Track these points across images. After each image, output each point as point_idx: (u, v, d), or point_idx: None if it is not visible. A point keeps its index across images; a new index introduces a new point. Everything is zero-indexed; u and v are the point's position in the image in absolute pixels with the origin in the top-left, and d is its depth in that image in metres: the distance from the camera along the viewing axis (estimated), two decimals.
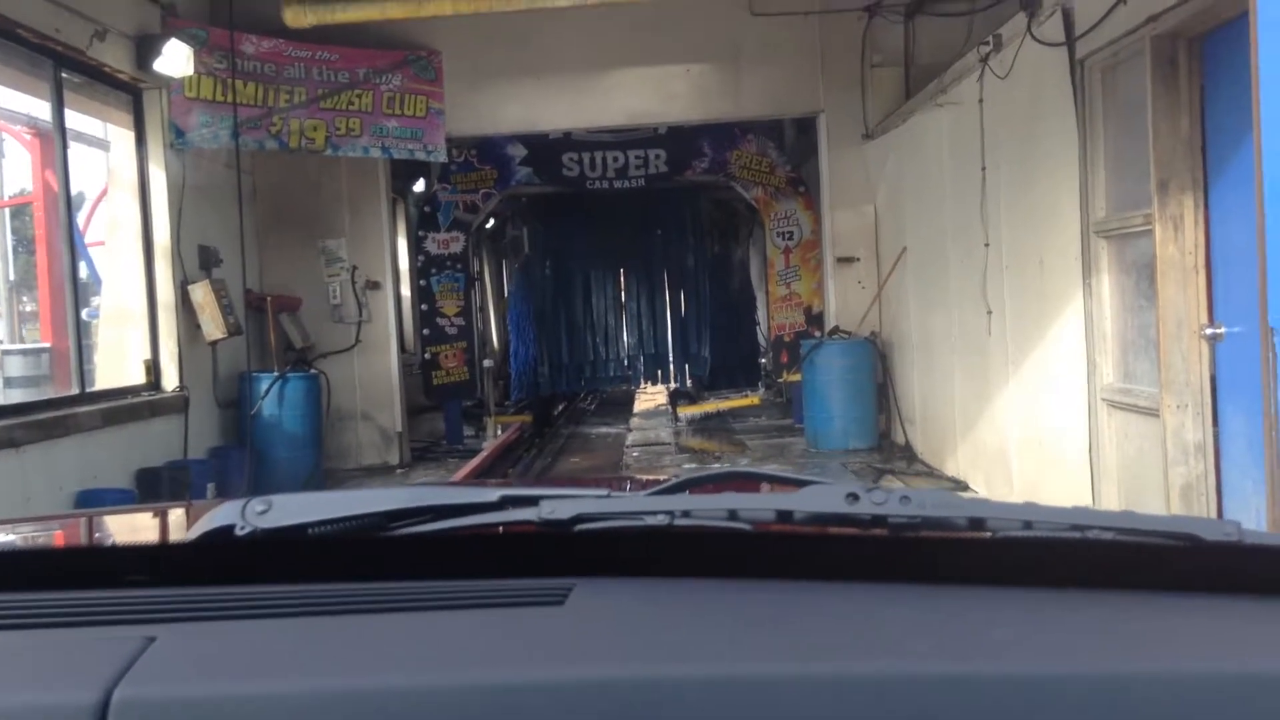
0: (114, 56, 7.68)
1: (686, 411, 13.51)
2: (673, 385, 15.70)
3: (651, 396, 16.47)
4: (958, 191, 7.87)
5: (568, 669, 0.81)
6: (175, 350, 8.47)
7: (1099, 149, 5.83)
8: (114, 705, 0.76)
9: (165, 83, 8.30)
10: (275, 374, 9.26)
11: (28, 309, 14.29)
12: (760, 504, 1.05)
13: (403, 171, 11.70)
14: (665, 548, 1.02)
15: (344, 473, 10.18)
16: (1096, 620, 0.91)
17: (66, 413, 7.09)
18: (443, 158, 10.25)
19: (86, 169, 12.03)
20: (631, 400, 16.38)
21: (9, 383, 10.20)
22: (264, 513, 1.03)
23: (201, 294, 8.59)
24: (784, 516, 1.03)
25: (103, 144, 10.56)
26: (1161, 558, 1.00)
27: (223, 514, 1.06)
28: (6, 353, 10.89)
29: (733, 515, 1.02)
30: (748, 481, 1.46)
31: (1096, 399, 6.03)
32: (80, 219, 11.91)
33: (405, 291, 12.38)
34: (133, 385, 8.22)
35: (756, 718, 0.76)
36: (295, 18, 8.01)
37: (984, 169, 7.25)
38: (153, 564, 1.05)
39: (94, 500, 6.96)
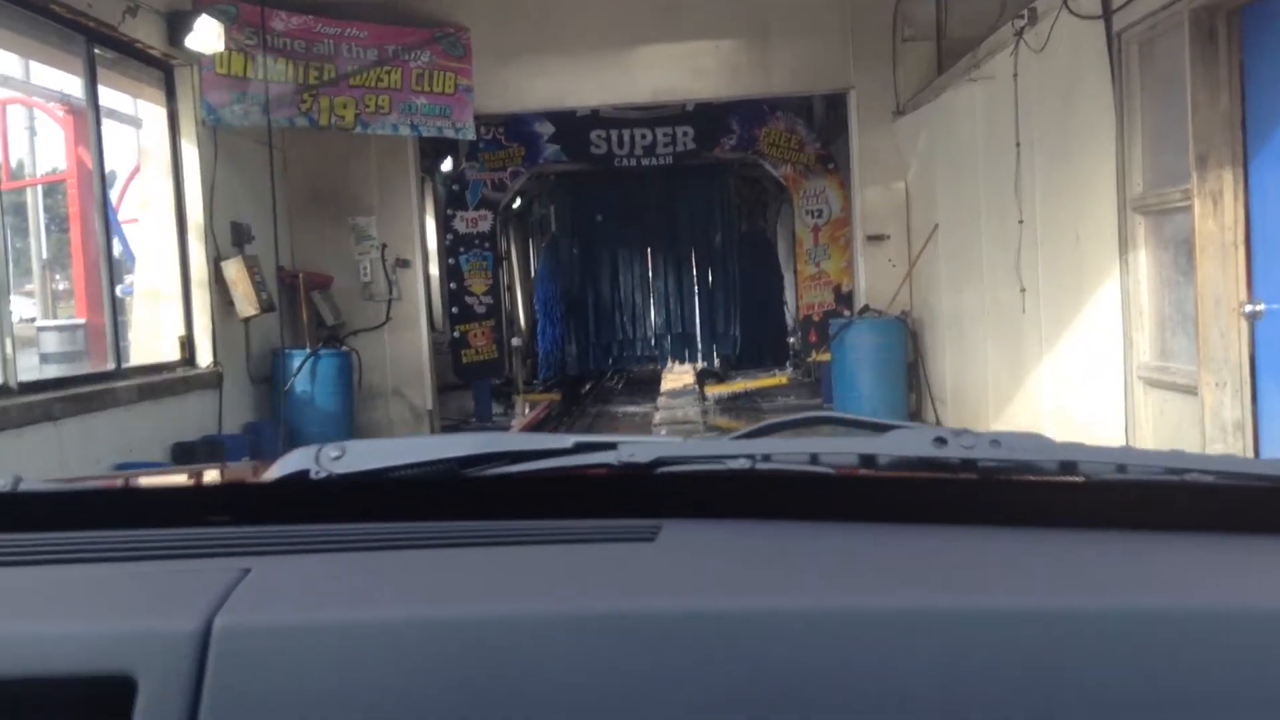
0: (145, 32, 7.71)
1: (714, 391, 13.49)
2: (700, 365, 15.67)
3: (678, 376, 16.44)
4: (991, 167, 7.80)
5: (662, 600, 0.81)
6: (209, 326, 8.53)
7: (1136, 124, 5.77)
8: (215, 632, 0.78)
9: (196, 59, 8.32)
10: (307, 351, 9.32)
11: (60, 287, 14.41)
12: (844, 447, 1.04)
13: (430, 150, 11.70)
14: (747, 491, 1.01)
15: None
16: (1196, 559, 0.90)
17: (103, 387, 7.16)
18: (471, 135, 10.24)
19: (118, 146, 12.09)
20: (658, 380, 16.37)
21: (45, 359, 10.30)
22: (338, 458, 1.05)
23: (234, 270, 8.63)
24: (867, 461, 1.02)
25: (134, 121, 10.61)
26: (1261, 501, 0.98)
27: (297, 459, 1.07)
28: (42, 329, 10.99)
29: (814, 459, 1.01)
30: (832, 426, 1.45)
31: (1133, 376, 5.98)
32: (112, 196, 11.98)
33: (434, 270, 12.42)
34: (167, 361, 8.29)
35: (852, 649, 0.76)
36: None
37: (1018, 144, 7.18)
38: (232, 505, 1.07)
39: None
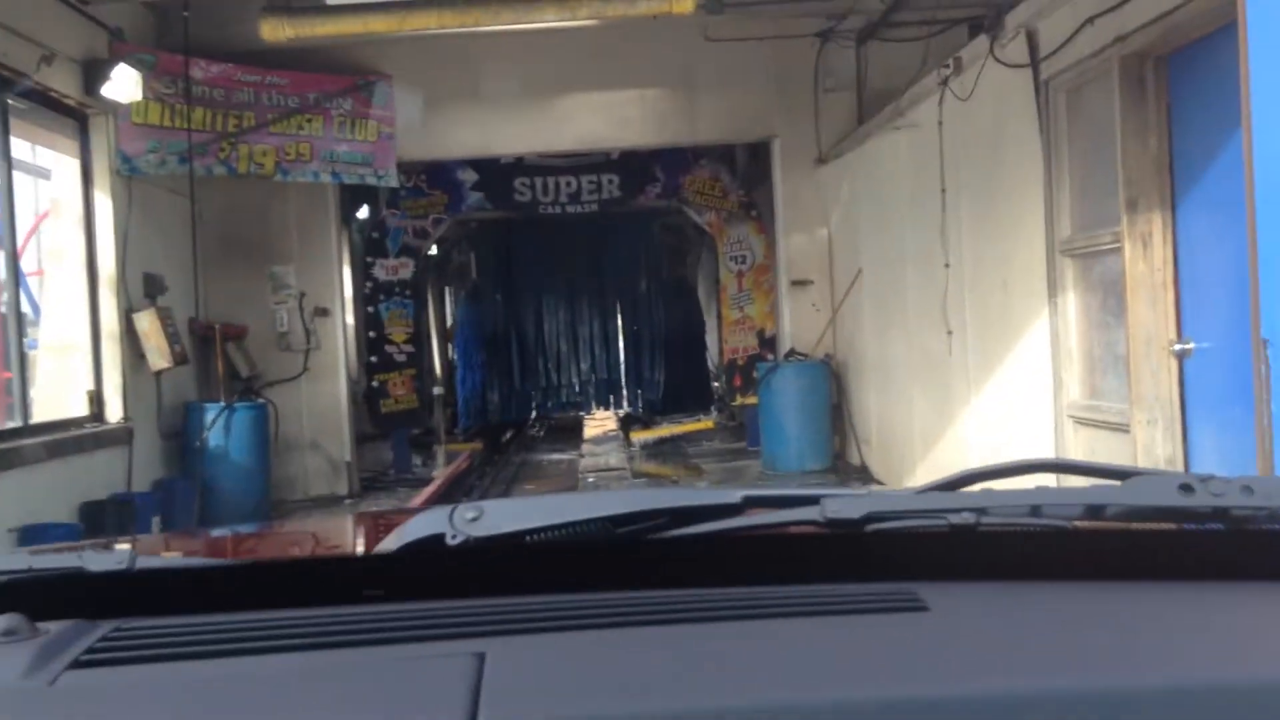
0: (61, 81, 7.48)
1: (640, 436, 13.44)
2: (624, 410, 15.60)
3: (600, 423, 16.36)
4: (916, 213, 7.93)
5: (975, 681, 0.74)
6: (119, 381, 8.23)
7: (1064, 169, 5.91)
8: None
9: (113, 108, 8.10)
10: (221, 404, 9.05)
11: None
12: (1070, 498, 0.97)
13: (347, 198, 11.52)
14: (981, 549, 0.94)
15: (291, 503, 9.96)
16: None
17: (9, 446, 6.85)
18: (393, 183, 10.12)
19: (19, 197, 11.68)
20: (580, 427, 16.28)
21: None
22: (475, 520, 0.96)
23: (147, 322, 8.36)
24: (1095, 512, 0.96)
25: (36, 170, 10.26)
26: None
27: (425, 523, 0.98)
28: None
29: (1037, 510, 0.94)
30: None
31: (1063, 416, 6.08)
32: None
33: (349, 320, 12.19)
34: (75, 417, 7.96)
35: None
36: (272, 31, 7.81)
37: (944, 191, 7.31)
38: (374, 578, 0.96)
39: (40, 536, 6.68)
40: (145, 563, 0.99)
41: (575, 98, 10.12)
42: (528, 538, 0.96)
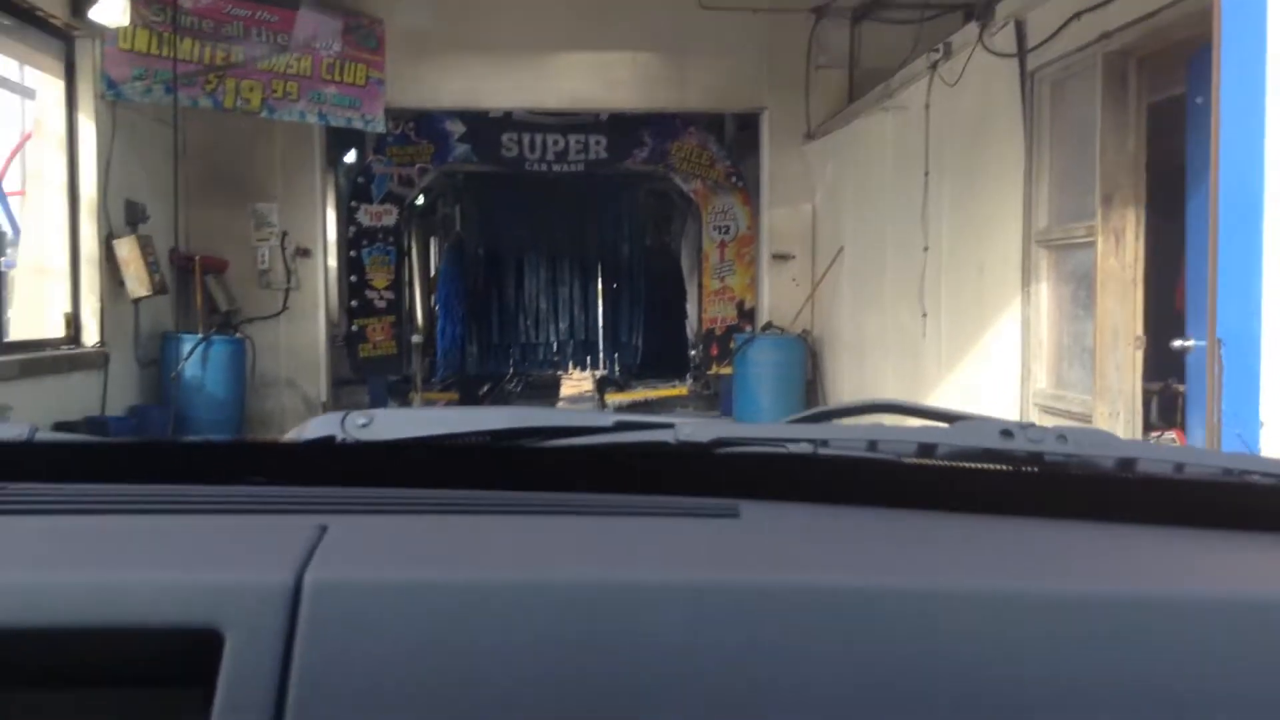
0: (48, 1, 7.42)
1: (614, 399, 13.51)
2: (601, 372, 15.66)
3: (577, 383, 16.42)
4: (899, 195, 7.97)
5: (763, 573, 0.81)
6: (97, 306, 8.24)
7: (1044, 160, 5.96)
8: (306, 587, 0.75)
9: (100, 32, 8.04)
10: (199, 336, 9.08)
11: None
12: (904, 436, 1.05)
13: (334, 140, 11.48)
14: (811, 475, 1.01)
15: None
16: (1247, 555, 0.93)
17: None
18: (381, 128, 10.10)
19: (5, 116, 11.57)
20: (557, 385, 16.32)
21: None
22: (365, 426, 1.02)
23: (127, 249, 8.36)
24: (927, 450, 1.03)
25: (23, 90, 10.17)
26: None
27: (320, 425, 1.04)
28: None
29: (873, 446, 1.02)
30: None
31: (1029, 403, 6.17)
32: None
33: (331, 262, 12.18)
34: (51, 338, 7.97)
35: (942, 628, 0.76)
36: None
37: (927, 174, 7.36)
38: (261, 466, 1.03)
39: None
40: (46, 437, 1.05)
41: (567, 56, 10.10)
42: (420, 441, 1.03)
